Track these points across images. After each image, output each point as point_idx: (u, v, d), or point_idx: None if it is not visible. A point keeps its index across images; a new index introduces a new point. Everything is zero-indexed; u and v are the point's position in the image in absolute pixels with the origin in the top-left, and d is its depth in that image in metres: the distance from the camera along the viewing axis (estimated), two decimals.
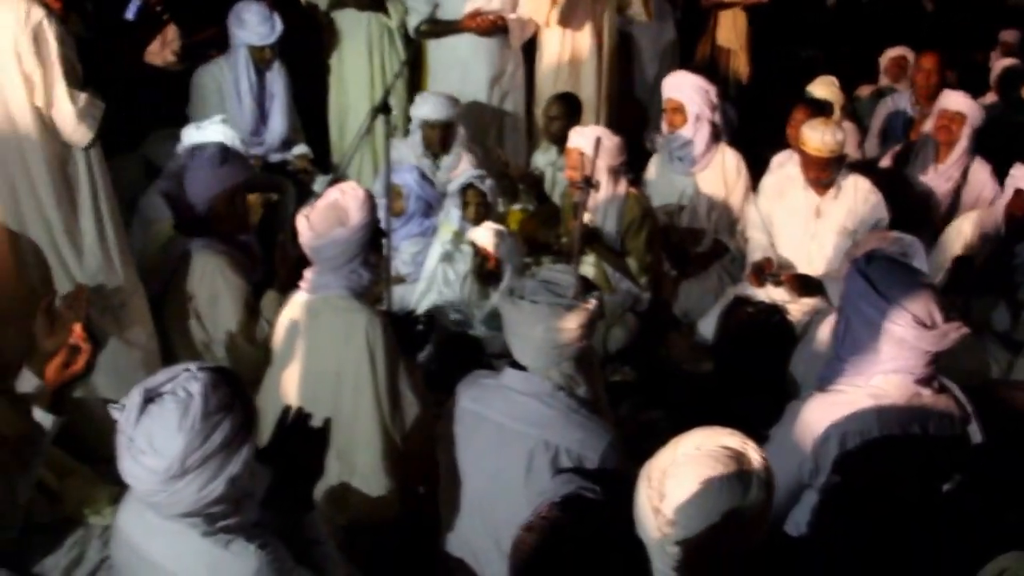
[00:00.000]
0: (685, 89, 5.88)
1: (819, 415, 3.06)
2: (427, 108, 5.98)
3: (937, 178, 6.04)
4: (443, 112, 5.96)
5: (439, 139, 6.01)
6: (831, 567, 3.06)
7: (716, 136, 5.97)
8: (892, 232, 4.64)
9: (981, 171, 5.98)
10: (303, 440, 2.78)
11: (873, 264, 3.11)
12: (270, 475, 2.56)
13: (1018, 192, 5.06)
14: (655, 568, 2.28)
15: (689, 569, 2.21)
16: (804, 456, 3.05)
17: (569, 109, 6.21)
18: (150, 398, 2.29)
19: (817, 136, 4.97)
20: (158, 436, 2.24)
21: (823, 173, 5.06)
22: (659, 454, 2.28)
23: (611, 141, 5.17)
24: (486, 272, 5.15)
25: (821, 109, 6.16)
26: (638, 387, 5.06)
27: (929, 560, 3.01)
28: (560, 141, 6.04)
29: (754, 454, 2.24)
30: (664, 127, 6.07)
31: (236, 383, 2.40)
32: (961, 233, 5.27)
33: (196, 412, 2.25)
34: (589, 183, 4.65)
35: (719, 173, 5.95)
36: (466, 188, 5.55)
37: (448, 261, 5.37)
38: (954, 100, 5.99)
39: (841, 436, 3.01)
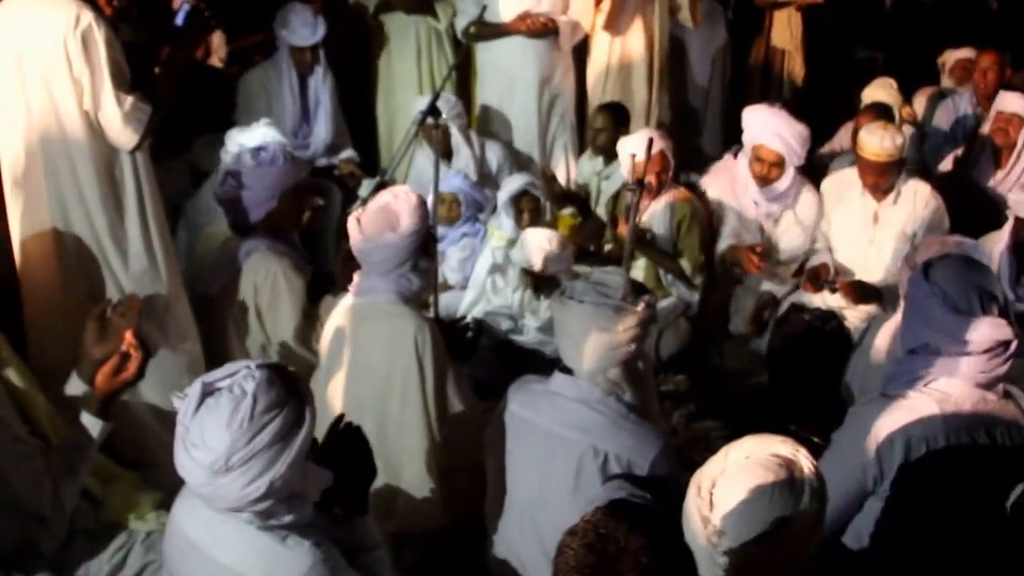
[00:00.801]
0: (788, 140, 5.24)
1: (884, 420, 2.98)
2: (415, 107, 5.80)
3: (1004, 185, 5.86)
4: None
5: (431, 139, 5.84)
6: None
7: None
8: (953, 236, 4.54)
9: None
10: (355, 443, 2.79)
11: (938, 261, 3.05)
12: (329, 478, 2.55)
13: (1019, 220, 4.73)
14: None
15: None
16: (868, 461, 2.98)
17: (615, 120, 6.07)
18: (208, 392, 2.33)
19: (875, 140, 4.88)
20: (209, 431, 2.28)
21: (881, 178, 4.98)
22: (709, 462, 2.27)
23: (663, 141, 5.14)
24: (536, 283, 5.10)
25: (888, 114, 6.04)
26: (691, 396, 5.00)
27: (990, 572, 2.95)
28: (606, 152, 5.98)
29: (805, 463, 2.21)
30: (749, 173, 5.44)
31: (293, 382, 2.42)
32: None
33: (245, 411, 2.27)
34: (641, 185, 4.60)
35: (792, 217, 5.49)
36: (520, 195, 5.48)
37: (498, 271, 5.33)
38: (1010, 101, 5.81)
39: (906, 441, 2.94)
